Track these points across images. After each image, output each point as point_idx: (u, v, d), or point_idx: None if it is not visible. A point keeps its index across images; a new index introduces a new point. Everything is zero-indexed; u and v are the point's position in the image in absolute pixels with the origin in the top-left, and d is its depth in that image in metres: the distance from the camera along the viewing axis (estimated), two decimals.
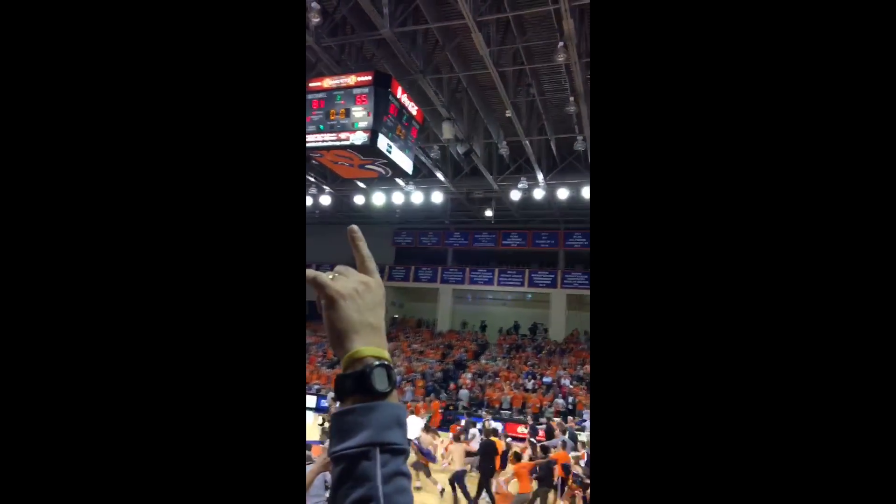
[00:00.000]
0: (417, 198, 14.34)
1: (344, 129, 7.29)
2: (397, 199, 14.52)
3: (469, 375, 15.10)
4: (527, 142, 11.08)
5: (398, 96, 7.53)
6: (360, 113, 7.23)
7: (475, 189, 14.33)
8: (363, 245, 0.65)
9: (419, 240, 19.85)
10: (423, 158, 12.15)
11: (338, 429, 0.54)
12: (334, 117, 7.34)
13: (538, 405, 12.97)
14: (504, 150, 11.53)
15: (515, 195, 13.37)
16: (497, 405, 13.00)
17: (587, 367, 14.90)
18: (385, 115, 7.28)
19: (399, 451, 0.53)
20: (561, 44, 7.40)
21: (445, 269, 19.27)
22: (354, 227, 0.66)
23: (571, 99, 9.26)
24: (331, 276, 0.62)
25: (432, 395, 13.64)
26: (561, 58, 7.54)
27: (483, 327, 19.09)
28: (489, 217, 15.78)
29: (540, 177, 12.60)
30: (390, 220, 18.57)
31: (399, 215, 17.74)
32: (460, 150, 11.80)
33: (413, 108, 8.04)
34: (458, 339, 18.03)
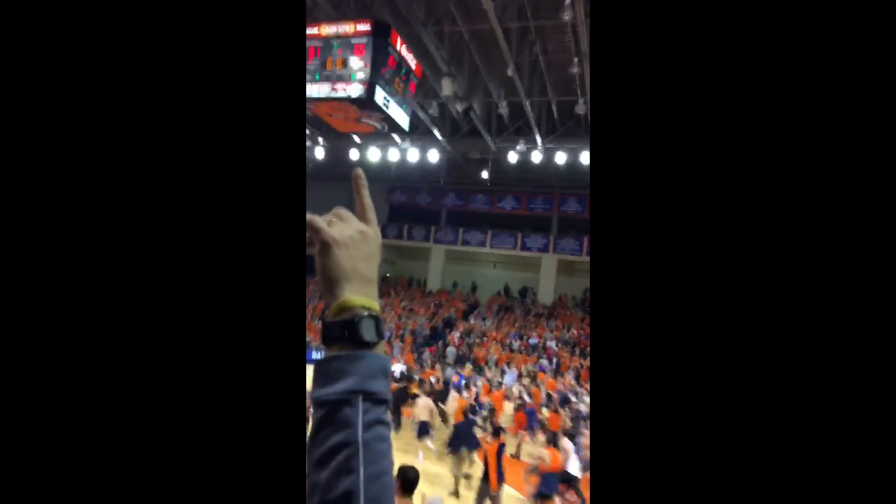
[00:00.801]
0: (413, 155, 14.13)
1: (340, 79, 7.08)
2: (393, 155, 14.30)
3: (457, 334, 15.39)
4: (527, 102, 10.85)
5: (397, 48, 7.28)
6: (357, 64, 7.00)
7: (472, 149, 14.12)
8: (366, 193, 0.63)
9: (413, 198, 19.71)
10: (420, 115, 11.89)
11: (321, 374, 0.54)
12: (331, 67, 7.11)
13: (522, 365, 13.32)
14: (504, 110, 11.30)
15: (513, 157, 13.21)
16: (483, 363, 13.33)
17: (573, 330, 15.23)
18: (383, 68, 7.06)
19: (381, 401, 0.54)
20: (568, 0, 7.13)
21: (438, 230, 19.25)
22: (359, 170, 0.64)
23: (575, 60, 9.01)
24: (328, 221, 0.60)
25: (423, 348, 13.93)
26: (567, 15, 7.28)
27: (474, 288, 19.30)
28: (485, 179, 15.65)
29: (539, 140, 12.43)
30: (385, 178, 18.36)
31: (394, 173, 17.54)
32: (459, 107, 11.54)
33: (412, 62, 7.79)
34: (449, 299, 18.25)
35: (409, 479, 2.91)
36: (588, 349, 14.25)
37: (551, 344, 14.47)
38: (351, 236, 0.59)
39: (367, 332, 0.55)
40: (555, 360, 13.58)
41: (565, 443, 6.01)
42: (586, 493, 5.59)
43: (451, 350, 14.29)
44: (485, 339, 15.05)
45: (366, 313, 0.56)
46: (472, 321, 16.57)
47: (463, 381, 10.65)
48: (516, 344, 14.70)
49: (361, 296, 0.57)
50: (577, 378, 12.20)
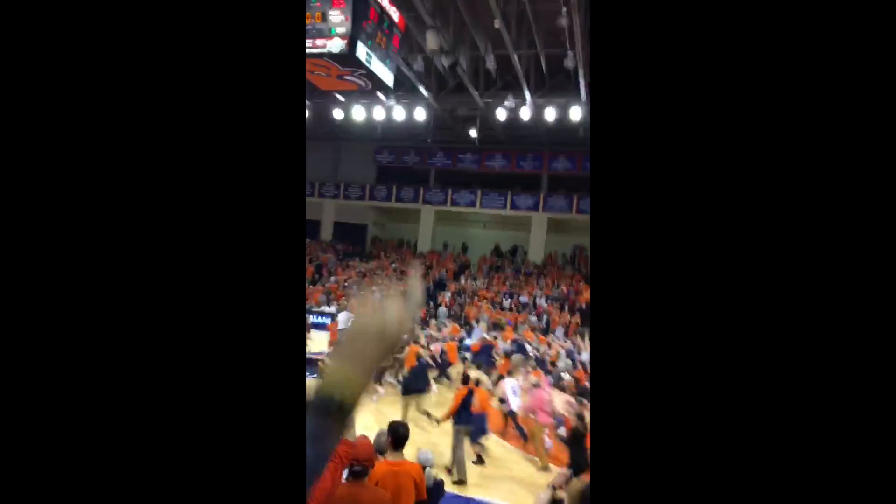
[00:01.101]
0: (399, 113, 13.79)
1: (320, 34, 6.77)
2: (378, 114, 13.95)
3: (448, 294, 15.53)
4: (515, 56, 10.53)
5: (379, 0, 6.95)
6: (337, 17, 6.68)
7: (460, 106, 13.81)
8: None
9: (401, 158, 19.39)
10: (405, 70, 11.51)
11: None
12: (310, 21, 6.79)
13: (515, 322, 13.55)
14: (491, 65, 10.97)
15: (501, 114, 12.95)
16: (473, 322, 13.54)
17: (563, 287, 15.44)
18: (364, 21, 6.75)
19: None
20: None
21: (427, 190, 19.07)
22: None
23: (564, 10, 8.69)
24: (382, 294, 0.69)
25: None
26: None
27: (464, 249, 19.35)
28: (473, 137, 15.38)
29: (527, 95, 12.15)
30: (371, 137, 17.97)
31: (380, 132, 17.16)
32: (445, 62, 11.18)
33: (395, 14, 7.46)
34: (439, 260, 18.32)
35: (399, 434, 2.98)
36: (576, 305, 14.50)
37: (541, 301, 14.69)
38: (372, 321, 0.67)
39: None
40: (545, 318, 13.82)
41: (503, 382, 6.85)
42: (526, 428, 6.40)
43: (442, 310, 14.46)
44: (476, 298, 15.22)
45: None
46: (463, 281, 16.70)
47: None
48: (507, 302, 14.89)
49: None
50: (566, 332, 12.47)
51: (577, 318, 13.73)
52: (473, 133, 15.19)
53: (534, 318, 13.71)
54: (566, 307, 14.40)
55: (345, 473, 2.39)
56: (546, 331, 12.87)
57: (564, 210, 17.33)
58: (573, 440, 4.59)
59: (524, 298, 14.97)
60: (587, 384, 7.07)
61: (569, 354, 9.71)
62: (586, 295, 15.16)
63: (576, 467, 4.10)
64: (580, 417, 4.64)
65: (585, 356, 9.27)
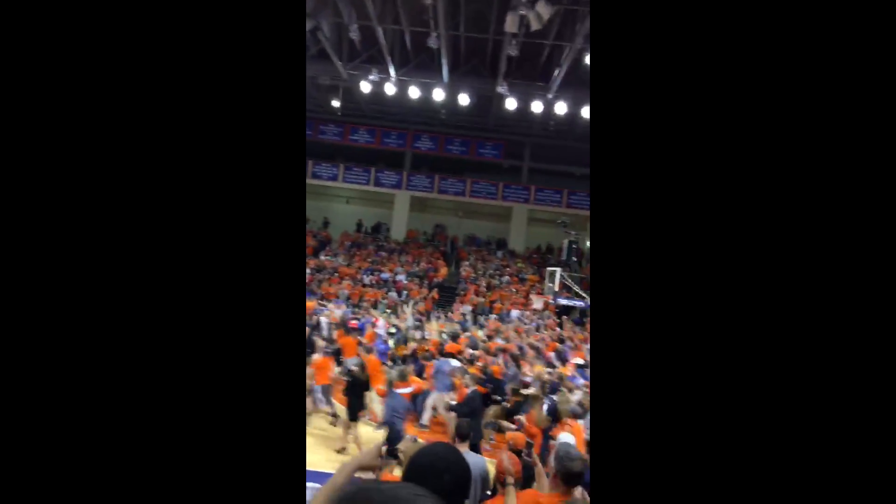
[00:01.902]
0: None
1: None
2: None
3: (307, 271, 14.97)
4: (380, 29, 10.34)
5: None
6: None
7: (321, 74, 13.16)
8: None
9: None
10: None
11: None
12: None
13: (373, 299, 13.63)
14: (355, 35, 10.62)
15: (366, 87, 12.67)
16: (333, 297, 13.29)
17: (423, 264, 15.92)
18: None
19: None
20: None
21: None
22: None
23: None
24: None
25: None
26: None
27: (325, 224, 18.75)
28: (336, 107, 14.83)
29: (392, 70, 12.06)
30: None
31: None
32: (306, 25, 10.50)
33: None
34: None
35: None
36: (434, 281, 15.10)
37: (401, 278, 14.98)
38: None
39: None
40: (404, 293, 14.14)
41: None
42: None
43: None
44: (335, 274, 14.93)
45: None
46: (322, 258, 16.22)
47: None
48: (368, 279, 14.88)
49: None
50: (423, 302, 12.95)
51: (434, 294, 14.32)
52: (336, 103, 14.64)
53: (394, 294, 13.94)
54: (425, 283, 14.91)
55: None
56: (405, 303, 13.19)
57: (427, 189, 17.75)
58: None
59: (385, 275, 15.11)
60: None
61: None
62: (443, 271, 15.86)
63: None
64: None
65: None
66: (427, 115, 16.02)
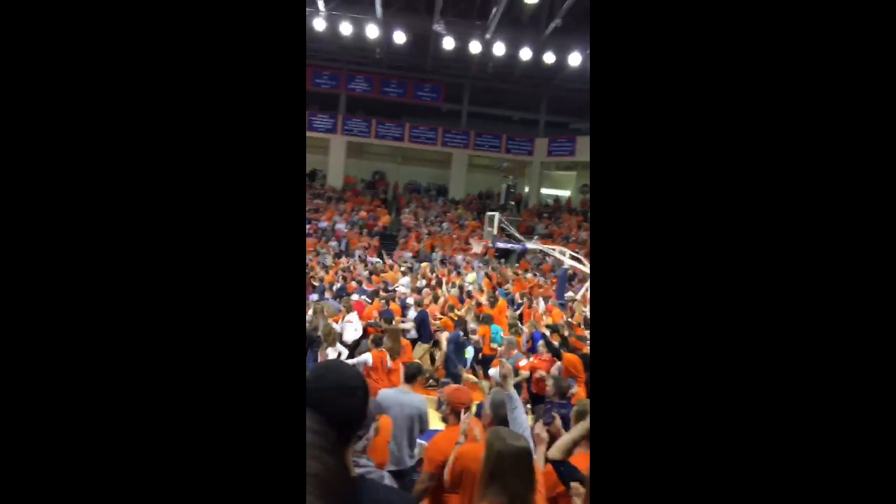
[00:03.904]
0: None
1: None
2: None
3: None
4: None
5: None
6: None
7: None
8: None
9: None
10: None
11: None
12: None
13: (313, 249, 13.32)
14: None
15: None
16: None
17: (362, 212, 15.63)
18: None
19: None
20: None
21: None
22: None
23: None
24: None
25: None
26: None
27: None
28: None
29: (321, 4, 11.18)
30: None
31: None
32: None
33: None
34: None
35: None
36: (375, 230, 14.93)
37: (340, 227, 14.67)
38: None
39: None
40: (344, 242, 13.91)
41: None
42: None
43: None
44: None
45: None
46: None
47: None
48: (307, 228, 14.45)
49: None
50: (365, 251, 12.85)
51: (375, 242, 14.19)
52: None
53: (334, 244, 13.68)
54: (364, 231, 14.71)
55: None
56: (344, 255, 13.02)
57: (363, 134, 17.13)
58: None
59: (323, 224, 14.73)
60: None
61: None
62: (385, 219, 15.68)
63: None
64: None
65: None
66: (361, 54, 15.16)
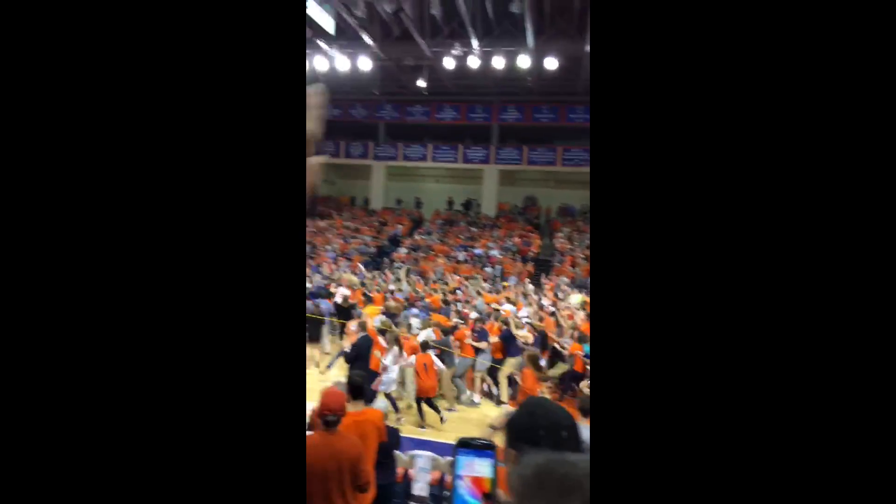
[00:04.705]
0: (343, 64, 13.16)
1: None
2: (320, 64, 13.25)
3: (403, 250, 15.53)
4: (461, 1, 10.17)
5: None
6: None
7: (406, 55, 13.32)
8: None
9: (348, 112, 18.70)
10: (346, 17, 10.90)
11: None
12: None
13: (470, 276, 13.80)
14: (436, 10, 10.57)
15: (449, 63, 12.62)
16: (431, 274, 13.68)
17: (515, 238, 15.75)
18: None
19: None
20: None
21: (377, 145, 18.59)
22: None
23: None
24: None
25: (370, 266, 14.04)
26: None
27: (418, 204, 19.22)
28: (422, 87, 14.97)
29: (474, 42, 11.85)
30: None
31: (324, 84, 16.35)
32: (388, 7, 10.66)
33: None
34: (393, 216, 18.14)
35: (355, 384, 3.04)
36: (528, 255, 14.87)
37: (494, 253, 14.97)
38: None
39: None
40: (498, 268, 14.13)
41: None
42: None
43: (398, 266, 14.47)
44: (431, 252, 15.31)
45: None
46: (417, 237, 16.69)
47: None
48: (462, 255, 15.08)
49: None
50: (518, 278, 12.86)
51: (529, 267, 14.13)
52: (422, 83, 14.77)
53: (489, 269, 14.00)
54: (518, 257, 14.76)
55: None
56: (502, 277, 13.20)
57: (515, 162, 17.42)
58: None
59: (479, 251, 15.20)
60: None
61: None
62: (538, 243, 15.56)
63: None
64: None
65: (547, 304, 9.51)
66: (512, 84, 15.57)
